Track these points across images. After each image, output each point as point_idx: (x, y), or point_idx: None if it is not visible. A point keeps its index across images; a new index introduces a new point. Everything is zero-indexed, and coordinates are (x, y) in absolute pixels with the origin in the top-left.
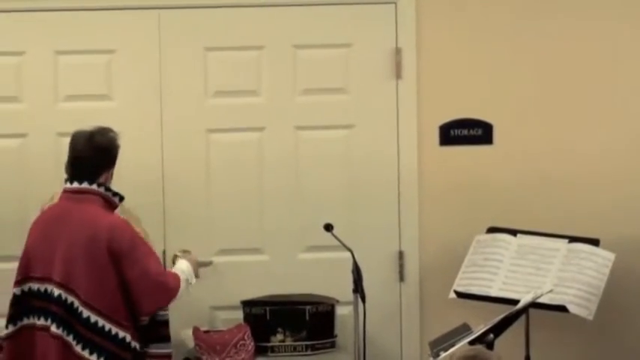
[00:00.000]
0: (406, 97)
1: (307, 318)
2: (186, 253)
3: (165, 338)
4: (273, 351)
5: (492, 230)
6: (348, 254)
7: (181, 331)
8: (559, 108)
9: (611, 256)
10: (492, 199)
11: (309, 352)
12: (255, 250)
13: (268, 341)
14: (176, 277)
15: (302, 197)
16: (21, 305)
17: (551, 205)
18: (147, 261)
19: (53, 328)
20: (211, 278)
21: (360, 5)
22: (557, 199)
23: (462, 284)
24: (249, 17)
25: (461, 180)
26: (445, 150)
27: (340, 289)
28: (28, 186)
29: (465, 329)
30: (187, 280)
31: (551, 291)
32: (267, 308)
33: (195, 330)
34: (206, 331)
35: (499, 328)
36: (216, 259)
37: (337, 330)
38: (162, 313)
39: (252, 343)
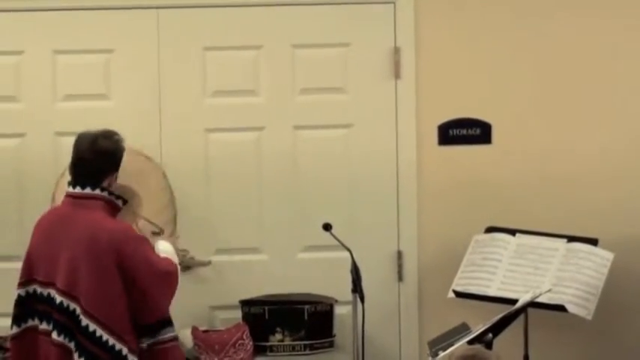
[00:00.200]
0: (405, 97)
1: (306, 317)
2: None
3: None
4: (271, 350)
5: (491, 230)
6: (346, 254)
7: (180, 331)
8: (558, 108)
9: (610, 255)
10: (491, 198)
11: (307, 352)
12: (254, 250)
13: (267, 341)
14: (170, 262)
15: (301, 197)
16: (25, 307)
17: (550, 204)
18: (153, 262)
19: (54, 336)
20: (210, 278)
21: (358, 5)
22: (556, 199)
23: (460, 284)
24: (247, 17)
25: (459, 179)
26: (444, 150)
27: (339, 288)
28: (27, 185)
29: (463, 329)
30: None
31: (549, 290)
32: (266, 308)
33: (194, 330)
34: (205, 331)
35: (498, 328)
36: (215, 259)
37: (336, 329)
38: None
39: (251, 343)
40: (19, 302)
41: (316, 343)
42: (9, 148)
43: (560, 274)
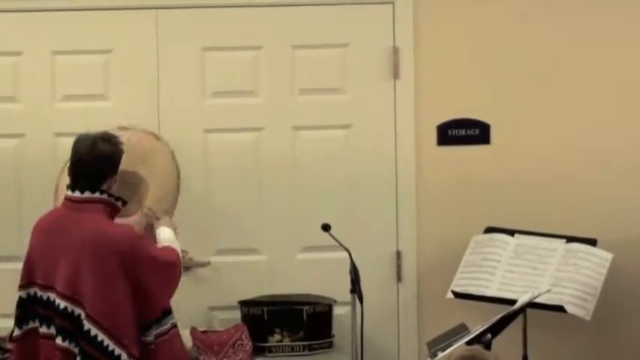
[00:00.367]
0: (404, 97)
1: (305, 318)
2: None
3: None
4: (270, 351)
5: (490, 230)
6: (345, 254)
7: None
8: (556, 108)
9: (609, 256)
10: (490, 199)
11: (306, 353)
12: (253, 251)
13: (266, 341)
14: (172, 251)
15: (299, 197)
16: (26, 309)
17: (549, 205)
18: (155, 257)
19: (59, 341)
20: (209, 278)
21: (357, 5)
22: (555, 199)
23: (459, 284)
24: (246, 17)
25: (458, 180)
26: (442, 150)
27: (338, 289)
28: (26, 186)
29: (462, 329)
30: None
31: (548, 291)
32: (265, 308)
33: (193, 330)
34: (204, 332)
35: (497, 328)
36: (214, 260)
37: (335, 330)
38: None
39: (250, 344)
40: (21, 304)
41: (315, 344)
42: (8, 148)
43: (559, 275)
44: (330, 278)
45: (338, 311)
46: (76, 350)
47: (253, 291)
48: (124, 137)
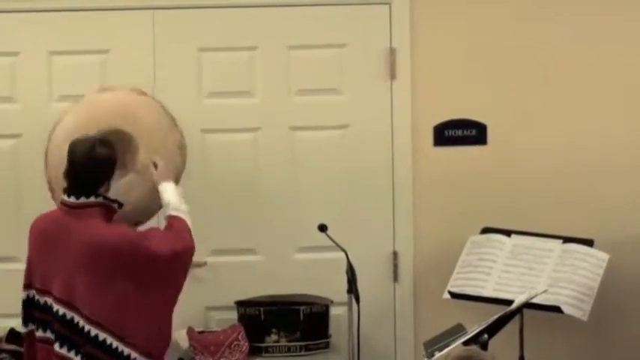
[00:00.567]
0: (400, 98)
1: (301, 318)
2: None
3: None
4: (267, 351)
5: (486, 231)
6: (342, 255)
7: (176, 332)
8: (553, 108)
9: (605, 256)
10: (486, 199)
11: (303, 353)
12: (250, 251)
13: (262, 342)
14: (179, 235)
15: (296, 198)
16: (26, 310)
17: (546, 205)
18: (155, 256)
19: (57, 347)
20: (206, 279)
21: (354, 6)
22: (552, 200)
23: (456, 285)
24: (243, 18)
25: (455, 180)
26: (439, 150)
27: (334, 289)
28: (23, 186)
29: (459, 330)
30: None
31: (545, 291)
32: (262, 309)
33: (190, 330)
34: (200, 332)
35: (493, 329)
36: (211, 260)
37: (331, 330)
38: None
39: (247, 344)
40: (24, 304)
41: (312, 344)
42: (5, 148)
43: (556, 275)
44: (327, 278)
45: (335, 311)
46: (72, 355)
47: (250, 291)
48: (104, 98)
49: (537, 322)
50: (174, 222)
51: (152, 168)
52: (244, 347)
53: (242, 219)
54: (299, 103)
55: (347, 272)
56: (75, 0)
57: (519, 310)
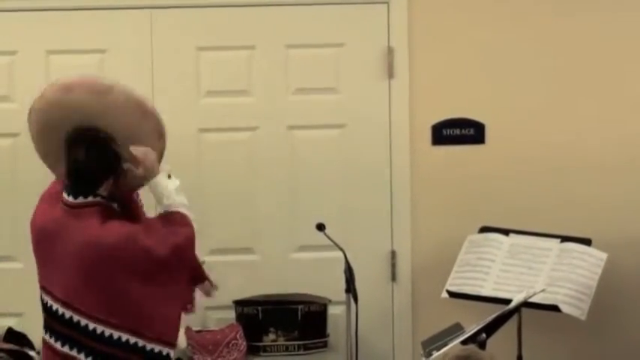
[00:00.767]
0: (398, 97)
1: (299, 318)
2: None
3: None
4: (265, 351)
5: (485, 230)
6: (340, 254)
7: None
8: (551, 108)
9: (604, 255)
10: (485, 198)
11: (301, 352)
12: (248, 250)
13: (260, 341)
14: (174, 232)
15: (294, 197)
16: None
17: (544, 204)
18: (153, 254)
19: (58, 346)
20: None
21: (352, 5)
22: (550, 199)
23: (454, 284)
24: (241, 17)
25: (453, 179)
26: (437, 150)
27: (332, 288)
28: (20, 185)
29: (457, 329)
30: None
31: (543, 290)
32: (260, 308)
33: (188, 330)
34: (198, 331)
35: (491, 328)
36: (209, 259)
37: (329, 329)
38: None
39: (245, 343)
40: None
41: (310, 343)
42: (3, 147)
43: (554, 274)
44: (325, 278)
45: (332, 311)
46: (74, 353)
47: (248, 290)
48: (68, 100)
49: (535, 322)
50: (170, 216)
51: (132, 163)
52: (242, 346)
53: (240, 218)
54: (297, 102)
55: (345, 271)
56: None
57: (517, 309)
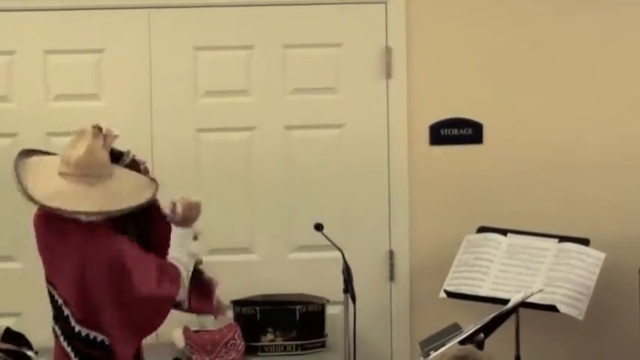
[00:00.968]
0: (396, 97)
1: (297, 318)
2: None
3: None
4: (263, 351)
5: (482, 230)
6: (338, 254)
7: (172, 331)
8: (549, 107)
9: (602, 255)
10: (483, 198)
11: (299, 352)
12: (245, 250)
13: (258, 341)
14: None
15: (292, 197)
16: None
17: (542, 204)
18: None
19: (61, 340)
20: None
21: (350, 5)
22: (548, 199)
23: (452, 284)
24: (238, 17)
25: (451, 179)
26: (435, 149)
27: (330, 288)
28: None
29: (455, 329)
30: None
31: (541, 290)
32: (258, 308)
33: (186, 330)
34: (196, 331)
35: (489, 328)
36: (207, 259)
37: (327, 329)
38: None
39: (243, 343)
40: None
41: (308, 344)
42: (1, 147)
43: (552, 274)
44: (323, 278)
45: (330, 311)
46: (69, 350)
47: (246, 290)
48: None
49: (533, 322)
50: (169, 267)
51: (170, 209)
52: (240, 346)
53: (238, 218)
54: (295, 102)
55: (343, 271)
56: None
57: (515, 309)
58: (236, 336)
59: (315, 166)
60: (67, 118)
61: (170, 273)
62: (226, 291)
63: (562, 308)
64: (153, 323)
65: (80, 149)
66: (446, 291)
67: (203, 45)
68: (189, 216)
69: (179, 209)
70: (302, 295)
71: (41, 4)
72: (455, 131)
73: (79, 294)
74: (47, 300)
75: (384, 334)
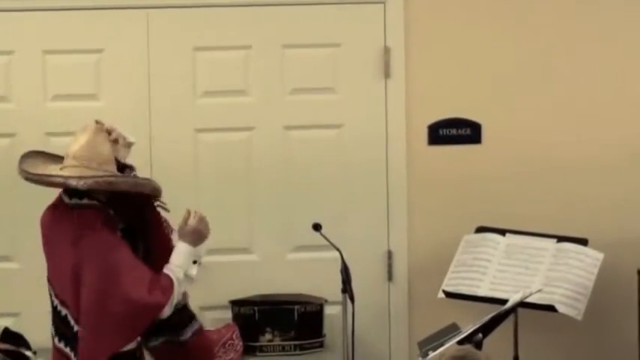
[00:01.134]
0: (395, 97)
1: (296, 318)
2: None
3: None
4: (261, 351)
5: (481, 230)
6: (336, 254)
7: None
8: (547, 107)
9: (600, 255)
10: (481, 198)
11: (297, 352)
12: (244, 250)
13: (257, 341)
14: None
15: (291, 197)
16: None
17: (540, 204)
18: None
19: (56, 340)
20: (200, 278)
21: (348, 5)
22: (546, 199)
23: (450, 284)
24: (237, 17)
25: (449, 179)
26: (434, 149)
27: (329, 288)
28: (18, 185)
29: (453, 329)
30: (183, 277)
31: (539, 290)
32: (256, 308)
33: None
34: None
35: (488, 328)
36: (205, 259)
37: (326, 330)
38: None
39: (241, 343)
40: None
41: (306, 344)
42: (0, 147)
43: (550, 274)
44: (321, 278)
45: (329, 311)
46: (67, 351)
47: (244, 290)
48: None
49: (532, 322)
50: (161, 278)
51: (184, 217)
52: (239, 346)
53: (236, 218)
54: (293, 103)
55: (341, 271)
56: None
57: (514, 309)
58: (234, 336)
59: (314, 166)
60: (66, 118)
61: (163, 284)
62: (225, 291)
63: (560, 308)
64: (133, 329)
65: (81, 142)
66: (444, 291)
67: (202, 45)
68: (199, 230)
69: (192, 220)
70: (300, 295)
71: (40, 4)
72: (453, 131)
73: (76, 294)
74: (45, 300)
75: (383, 334)
